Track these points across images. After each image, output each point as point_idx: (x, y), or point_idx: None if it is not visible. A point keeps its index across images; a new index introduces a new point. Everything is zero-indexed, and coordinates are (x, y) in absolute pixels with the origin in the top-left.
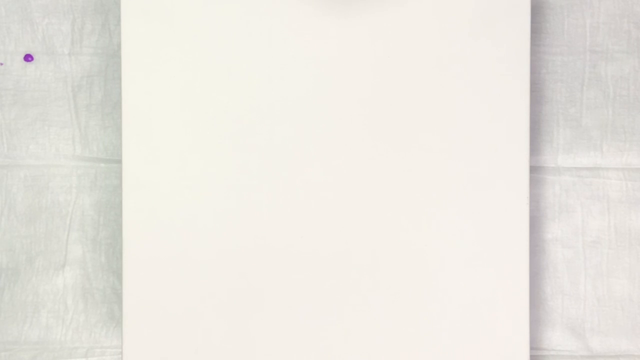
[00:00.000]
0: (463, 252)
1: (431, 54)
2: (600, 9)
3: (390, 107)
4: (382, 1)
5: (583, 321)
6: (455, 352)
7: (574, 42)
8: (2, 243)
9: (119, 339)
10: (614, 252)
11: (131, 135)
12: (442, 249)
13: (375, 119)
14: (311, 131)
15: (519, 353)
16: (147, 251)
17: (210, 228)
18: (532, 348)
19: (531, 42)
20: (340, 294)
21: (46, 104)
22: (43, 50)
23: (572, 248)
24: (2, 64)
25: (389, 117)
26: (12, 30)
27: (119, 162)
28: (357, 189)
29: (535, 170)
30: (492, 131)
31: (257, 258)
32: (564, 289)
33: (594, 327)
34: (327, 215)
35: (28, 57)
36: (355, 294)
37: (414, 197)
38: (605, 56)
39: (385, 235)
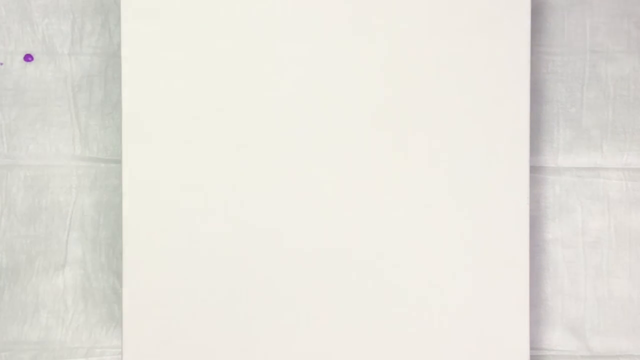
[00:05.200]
0: (463, 252)
1: (431, 54)
2: (600, 9)
3: (390, 106)
4: (382, 1)
5: (583, 321)
6: (456, 352)
7: (574, 42)
8: (2, 243)
9: (119, 339)
10: (614, 252)
11: (131, 135)
12: (442, 248)
13: (375, 118)
14: (311, 131)
15: (519, 353)
16: (147, 251)
17: (210, 228)
18: (532, 348)
19: (531, 42)
20: (340, 294)
21: (46, 104)
22: (43, 50)
23: (572, 248)
24: (2, 64)
25: (389, 117)
26: (12, 30)
27: (119, 162)
28: (357, 188)
29: (535, 170)
30: (492, 131)
31: (257, 258)
32: (564, 289)
33: (594, 327)
34: (328, 215)
35: (28, 57)
36: (355, 293)
37: (414, 196)
38: (606, 56)
39: (385, 234)
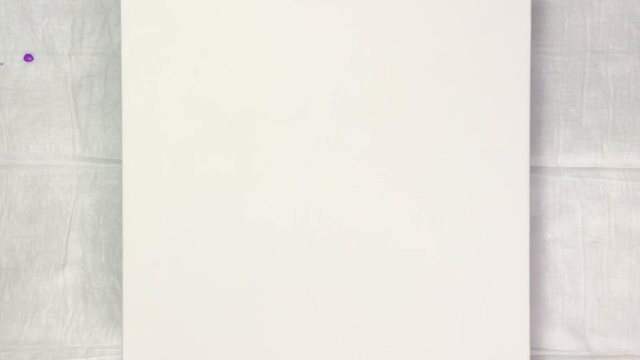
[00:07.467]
0: (463, 252)
1: (431, 54)
2: (601, 9)
3: (390, 107)
4: (382, 1)
5: (583, 321)
6: (455, 352)
7: (574, 42)
8: (2, 243)
9: (119, 339)
10: (614, 252)
11: (131, 135)
12: (442, 248)
13: (375, 118)
14: (311, 131)
15: (519, 353)
16: (147, 251)
17: (210, 228)
18: (532, 348)
19: (531, 42)
20: (340, 294)
21: (46, 104)
22: (43, 50)
23: (572, 248)
24: (2, 64)
25: (389, 117)
26: (12, 30)
27: (119, 162)
28: (357, 188)
29: (535, 170)
30: (492, 131)
31: (257, 258)
32: (564, 289)
33: (594, 327)
34: (328, 216)
35: (28, 57)
36: (356, 294)
37: (414, 196)
38: (606, 56)
39: (386, 235)
